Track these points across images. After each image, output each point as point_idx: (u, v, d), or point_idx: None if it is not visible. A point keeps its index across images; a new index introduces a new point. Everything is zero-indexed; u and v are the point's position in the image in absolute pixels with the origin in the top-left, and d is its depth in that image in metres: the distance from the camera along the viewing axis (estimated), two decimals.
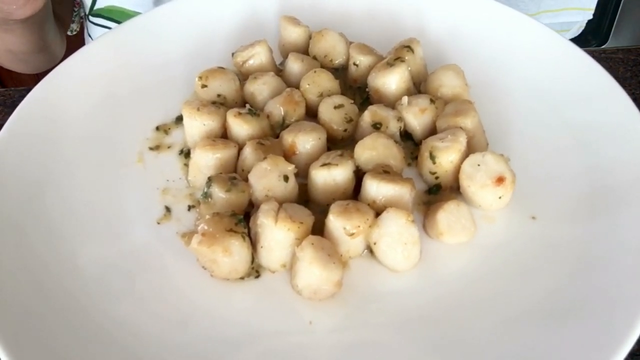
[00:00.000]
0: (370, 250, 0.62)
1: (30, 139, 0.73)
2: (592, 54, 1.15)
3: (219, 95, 0.77)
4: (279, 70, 0.84)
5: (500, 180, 0.62)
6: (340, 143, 0.74)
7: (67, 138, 0.75)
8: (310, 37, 0.85)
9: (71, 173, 0.71)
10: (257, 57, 0.82)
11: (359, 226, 0.59)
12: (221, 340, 0.56)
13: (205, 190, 0.65)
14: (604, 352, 0.52)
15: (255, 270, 0.62)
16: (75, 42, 1.08)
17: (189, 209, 0.69)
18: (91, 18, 1.06)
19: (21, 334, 0.54)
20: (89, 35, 1.13)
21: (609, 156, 0.68)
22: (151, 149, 0.76)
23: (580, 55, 0.78)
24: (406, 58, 0.78)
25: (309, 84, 0.76)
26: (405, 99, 0.73)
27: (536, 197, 0.67)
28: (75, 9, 1.14)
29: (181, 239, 0.66)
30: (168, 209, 0.69)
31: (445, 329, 0.58)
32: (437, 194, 0.68)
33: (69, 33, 1.13)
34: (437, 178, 0.67)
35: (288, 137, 0.69)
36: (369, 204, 0.63)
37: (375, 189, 0.62)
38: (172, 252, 0.64)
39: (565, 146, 0.71)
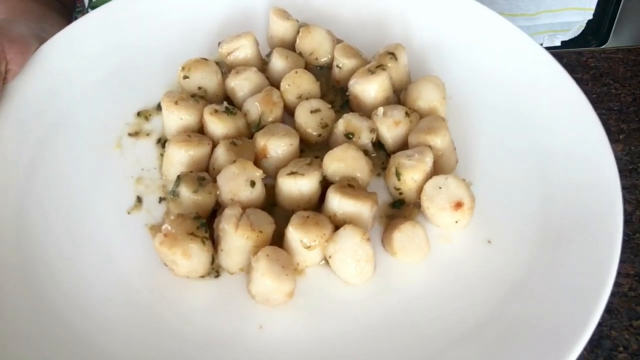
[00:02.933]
0: (326, 260, 0.65)
1: (11, 121, 0.75)
2: (592, 54, 1.15)
3: (199, 88, 0.78)
4: (265, 63, 0.85)
5: (458, 205, 0.64)
6: (314, 147, 0.75)
7: (49, 121, 0.76)
8: (298, 32, 0.85)
9: (50, 156, 0.73)
10: (243, 49, 0.82)
11: (315, 240, 0.61)
12: (171, 335, 0.60)
13: (173, 188, 0.67)
14: None
15: (215, 270, 0.65)
16: None
17: (159, 201, 0.71)
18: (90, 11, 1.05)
19: None
20: None
21: (574, 184, 0.69)
22: (130, 135, 0.78)
23: (560, 76, 0.78)
24: (388, 65, 0.78)
25: (289, 85, 0.77)
26: (380, 110, 0.73)
27: (495, 221, 0.68)
28: (79, 6, 1.13)
29: (149, 231, 0.68)
30: (139, 199, 0.71)
31: (394, 341, 0.61)
32: (400, 208, 0.70)
33: None
34: (401, 194, 0.69)
35: (260, 140, 0.70)
36: (329, 217, 0.65)
37: (336, 203, 0.64)
38: (137, 243, 0.67)
39: (532, 170, 0.72)
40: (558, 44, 1.31)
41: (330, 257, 0.63)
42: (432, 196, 0.65)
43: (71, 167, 0.73)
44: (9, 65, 0.76)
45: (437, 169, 0.69)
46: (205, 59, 0.79)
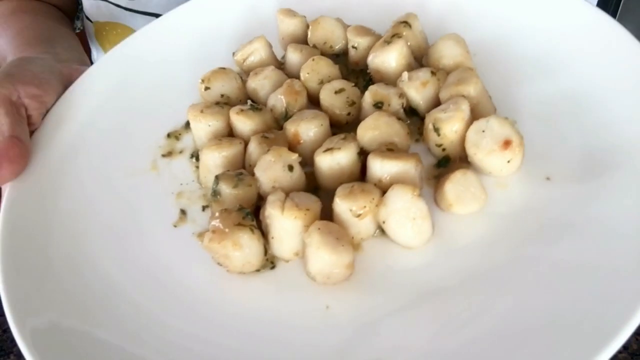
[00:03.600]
0: (381, 229, 0.62)
1: (47, 154, 0.76)
2: None
3: (222, 96, 0.78)
4: (281, 64, 0.85)
5: (506, 144, 0.60)
6: (346, 127, 0.74)
7: (82, 153, 0.77)
8: (308, 27, 0.85)
9: (88, 186, 0.74)
10: (257, 53, 0.82)
11: (365, 207, 0.59)
12: (241, 335, 0.57)
13: (214, 188, 0.66)
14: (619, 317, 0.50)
15: (270, 261, 0.62)
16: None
17: (203, 209, 0.70)
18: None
19: (50, 345, 0.57)
20: (87, 18, 1.14)
21: (624, 109, 0.65)
22: (164, 155, 0.78)
23: (591, 10, 0.74)
24: (404, 33, 0.76)
25: (308, 73, 0.76)
26: (405, 74, 0.71)
27: (549, 157, 0.64)
28: (80, 5, 1.16)
29: (197, 239, 0.67)
30: (183, 212, 0.71)
31: (463, 301, 0.57)
32: (446, 166, 0.66)
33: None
34: (444, 150, 0.66)
35: (291, 127, 0.69)
36: (375, 184, 0.62)
37: (379, 167, 0.62)
38: (189, 252, 0.66)
39: (576, 103, 0.68)
40: None
41: (384, 222, 0.60)
42: (476, 141, 0.62)
43: (112, 194, 0.73)
44: (28, 111, 0.76)
45: (475, 117, 0.66)
46: (223, 68, 0.80)
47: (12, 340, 0.58)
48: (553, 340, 0.51)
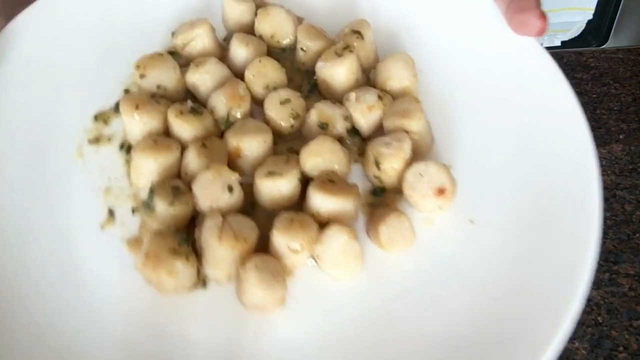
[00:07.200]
0: (313, 258, 0.64)
1: None
2: (592, 54, 1.14)
3: (158, 87, 0.73)
4: (224, 49, 0.80)
5: (440, 191, 0.64)
6: (287, 137, 0.73)
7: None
8: (255, 14, 0.80)
9: (6, 167, 0.68)
10: (199, 39, 0.77)
11: (302, 244, 0.60)
12: (164, 353, 0.58)
13: (147, 201, 0.64)
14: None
15: (202, 280, 0.63)
16: None
17: (133, 212, 0.68)
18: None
19: None
20: None
21: (555, 165, 0.68)
22: (91, 141, 0.74)
23: (541, 57, 0.75)
24: (355, 45, 0.75)
25: (253, 75, 0.73)
26: (352, 95, 0.71)
27: (477, 200, 0.68)
28: None
29: (126, 246, 0.66)
30: (111, 212, 0.68)
31: (390, 328, 0.61)
32: (381, 196, 0.69)
33: None
34: (381, 182, 0.68)
35: (233, 141, 0.68)
36: (313, 215, 0.63)
37: (319, 201, 0.63)
38: (116, 261, 0.64)
39: (512, 149, 0.70)
40: (558, 44, 1.30)
41: (318, 256, 0.62)
42: (413, 184, 0.64)
43: (33, 182, 0.68)
44: None
45: (414, 150, 0.68)
46: (161, 54, 0.75)
47: None
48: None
